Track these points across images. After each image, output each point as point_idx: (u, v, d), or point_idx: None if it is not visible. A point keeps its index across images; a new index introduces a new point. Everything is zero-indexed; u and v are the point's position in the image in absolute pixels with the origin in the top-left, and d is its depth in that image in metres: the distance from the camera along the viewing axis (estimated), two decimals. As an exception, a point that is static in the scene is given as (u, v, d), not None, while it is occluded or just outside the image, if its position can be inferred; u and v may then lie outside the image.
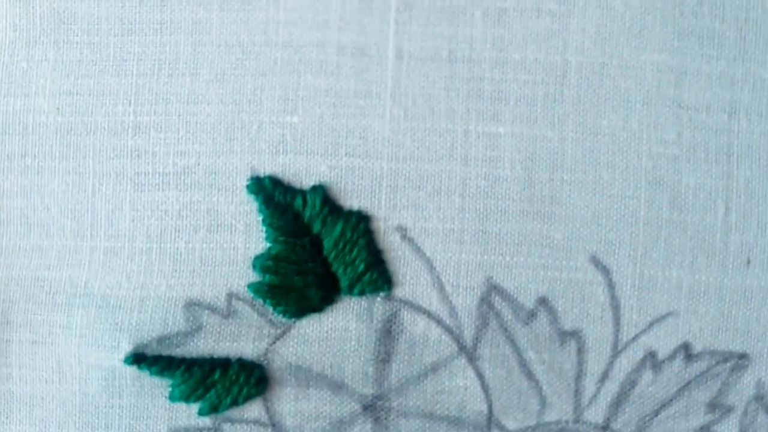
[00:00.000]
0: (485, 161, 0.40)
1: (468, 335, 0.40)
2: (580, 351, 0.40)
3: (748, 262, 0.40)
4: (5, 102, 0.40)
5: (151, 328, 0.40)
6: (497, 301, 0.40)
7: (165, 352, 0.40)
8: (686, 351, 0.40)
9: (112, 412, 0.40)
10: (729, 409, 0.41)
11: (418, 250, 0.40)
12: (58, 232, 0.40)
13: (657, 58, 0.40)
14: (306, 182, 0.40)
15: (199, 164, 0.40)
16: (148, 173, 0.40)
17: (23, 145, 0.40)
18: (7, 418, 0.40)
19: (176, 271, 0.40)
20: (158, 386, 0.40)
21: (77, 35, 0.39)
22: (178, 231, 0.40)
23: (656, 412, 0.41)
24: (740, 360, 0.41)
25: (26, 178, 0.40)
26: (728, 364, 0.41)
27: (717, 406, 0.41)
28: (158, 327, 0.40)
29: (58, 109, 0.40)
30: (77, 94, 0.40)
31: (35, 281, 0.40)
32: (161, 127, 0.40)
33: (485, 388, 0.40)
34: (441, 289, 0.40)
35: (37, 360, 0.40)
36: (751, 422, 0.41)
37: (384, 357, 0.40)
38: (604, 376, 0.40)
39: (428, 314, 0.40)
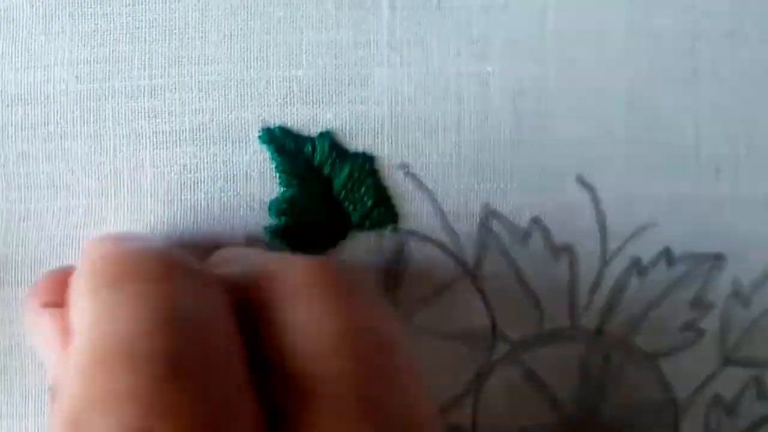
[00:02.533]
0: (477, 99, 0.42)
1: (470, 258, 0.42)
2: (572, 264, 0.42)
3: (718, 172, 0.43)
4: (26, 74, 0.40)
5: (178, 274, 0.42)
6: (495, 224, 0.42)
7: (191, 295, 0.42)
8: (667, 256, 0.43)
9: (142, 357, 0.43)
10: (709, 306, 0.44)
11: (420, 185, 0.41)
12: (83, 192, 0.41)
13: (628, -7, 0.42)
14: (313, 130, 0.41)
15: (212, 120, 0.41)
16: (166, 132, 0.41)
17: (45, 114, 0.41)
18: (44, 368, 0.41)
19: (197, 220, 0.41)
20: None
21: (91, 7, 0.40)
22: (197, 183, 0.41)
23: (644, 314, 0.43)
24: (717, 261, 0.43)
25: (50, 143, 0.41)
26: (706, 265, 0.43)
27: (699, 304, 0.43)
28: (184, 273, 0.42)
29: (76, 77, 0.40)
30: (94, 62, 0.40)
31: (64, 240, 0.41)
32: (175, 88, 0.41)
33: (488, 304, 0.42)
34: (443, 218, 0.42)
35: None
36: (730, 316, 0.44)
37: (394, 284, 0.42)
38: (596, 285, 0.43)
39: (432, 242, 0.42)
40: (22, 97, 0.41)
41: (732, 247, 0.43)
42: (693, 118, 0.43)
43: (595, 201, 0.42)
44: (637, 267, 0.43)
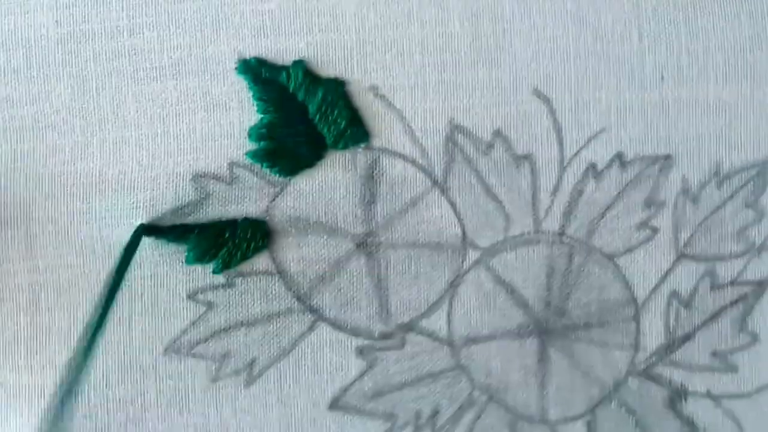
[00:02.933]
0: (438, 22, 0.43)
1: (438, 171, 0.44)
2: (533, 171, 0.44)
3: (662, 78, 0.45)
4: (6, 21, 0.42)
5: (164, 202, 0.43)
6: (460, 138, 0.44)
7: (178, 221, 0.43)
8: (620, 159, 0.45)
9: (134, 285, 0.43)
10: (661, 205, 0.46)
11: (389, 105, 0.44)
12: (69, 131, 0.42)
13: None
14: (287, 59, 0.43)
15: (191, 55, 0.42)
16: (146, 68, 0.42)
17: (27, 58, 0.42)
18: (36, 307, 0.43)
19: (181, 149, 0.43)
20: (175, 253, 0.43)
21: (68, -48, 0.42)
22: (179, 115, 0.43)
23: (602, 215, 0.45)
24: (665, 161, 0.45)
25: (33, 86, 0.42)
26: (656, 166, 0.45)
27: (651, 203, 0.45)
28: (170, 200, 0.43)
29: (57, 21, 0.42)
30: (74, 5, 0.42)
31: (53, 177, 0.42)
32: (154, 27, 0.42)
33: (458, 214, 0.44)
34: (412, 135, 0.44)
35: (61, 248, 0.43)
36: (681, 213, 0.46)
37: (369, 199, 0.44)
38: (556, 190, 0.45)
39: (403, 157, 0.44)
40: (4, 43, 0.42)
41: (679, 148, 0.45)
42: (637, 28, 0.45)
43: (551, 111, 0.44)
44: (593, 171, 0.45)
